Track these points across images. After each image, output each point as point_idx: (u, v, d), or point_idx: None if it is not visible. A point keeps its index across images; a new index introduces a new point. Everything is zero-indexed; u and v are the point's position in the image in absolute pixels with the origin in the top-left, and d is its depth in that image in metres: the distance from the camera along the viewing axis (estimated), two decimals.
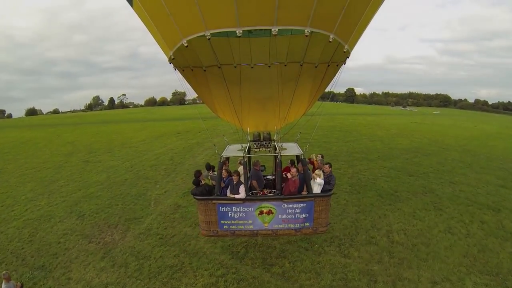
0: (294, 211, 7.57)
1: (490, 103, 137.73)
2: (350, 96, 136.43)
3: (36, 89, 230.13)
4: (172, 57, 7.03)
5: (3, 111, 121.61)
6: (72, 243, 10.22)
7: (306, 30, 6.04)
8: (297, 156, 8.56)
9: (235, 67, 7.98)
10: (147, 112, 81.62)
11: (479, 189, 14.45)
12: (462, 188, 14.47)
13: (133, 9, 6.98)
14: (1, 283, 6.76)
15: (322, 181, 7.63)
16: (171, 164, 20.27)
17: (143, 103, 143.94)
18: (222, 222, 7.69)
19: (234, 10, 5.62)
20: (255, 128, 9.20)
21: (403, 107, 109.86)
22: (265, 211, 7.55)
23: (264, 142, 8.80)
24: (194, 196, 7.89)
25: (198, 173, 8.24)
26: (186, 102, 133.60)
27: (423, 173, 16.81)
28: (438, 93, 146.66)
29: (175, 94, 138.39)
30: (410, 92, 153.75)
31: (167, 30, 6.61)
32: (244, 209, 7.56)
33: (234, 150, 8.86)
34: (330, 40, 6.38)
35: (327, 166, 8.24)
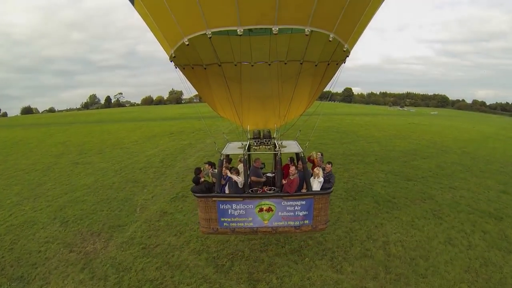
0: (294, 208, 7.62)
1: (487, 103, 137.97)
2: (347, 96, 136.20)
3: (32, 87, 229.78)
4: (173, 55, 7.08)
5: None
6: (52, 252, 9.74)
7: (306, 29, 6.08)
8: (297, 154, 8.57)
9: (236, 65, 8.01)
10: (143, 111, 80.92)
11: (480, 195, 13.85)
12: (462, 194, 13.87)
13: (134, 7, 6.98)
14: None
15: (322, 179, 7.70)
16: (161, 166, 19.64)
17: (140, 102, 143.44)
18: (222, 219, 7.73)
19: (235, 9, 5.66)
20: (255, 126, 9.29)
21: (401, 107, 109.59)
22: (265, 208, 7.59)
23: (264, 139, 8.89)
24: (194, 193, 7.93)
25: (198, 171, 8.33)
26: (183, 101, 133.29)
27: (421, 178, 16.19)
28: (436, 93, 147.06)
29: (172, 93, 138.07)
30: (408, 92, 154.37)
31: (169, 29, 6.64)
32: (244, 207, 7.60)
33: (234, 148, 8.93)
34: (330, 39, 6.44)
35: (329, 165, 8.34)
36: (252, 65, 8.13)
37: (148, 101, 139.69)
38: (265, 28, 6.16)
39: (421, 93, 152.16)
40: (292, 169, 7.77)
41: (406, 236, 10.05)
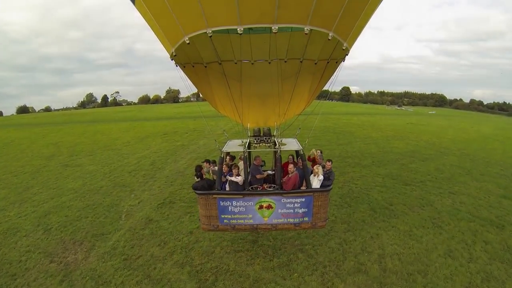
0: (294, 205, 7.67)
1: (485, 103, 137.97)
2: (345, 95, 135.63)
3: (29, 86, 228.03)
4: (174, 54, 7.16)
5: None
6: (33, 262, 9.29)
7: (305, 28, 6.11)
8: (297, 152, 8.67)
9: (236, 63, 8.02)
10: (138, 111, 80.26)
11: (481, 201, 13.28)
12: (462, 200, 13.27)
13: (135, 6, 7.02)
14: None
15: (322, 177, 7.74)
16: (151, 169, 19.00)
17: (136, 101, 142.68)
18: (223, 216, 7.77)
19: (236, 9, 5.71)
20: (255, 123, 9.35)
21: (399, 106, 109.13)
22: (264, 205, 7.64)
23: (264, 137, 8.92)
24: (194, 190, 7.93)
25: (199, 168, 8.42)
26: (180, 100, 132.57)
27: (420, 182, 15.57)
28: (434, 92, 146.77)
29: (169, 91, 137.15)
30: (405, 91, 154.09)
31: (169, 28, 6.70)
32: (244, 204, 7.65)
33: (234, 145, 9.00)
34: (329, 38, 6.48)
35: (329, 163, 8.39)
36: (252, 63, 8.19)
37: (145, 100, 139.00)
38: (265, 27, 6.18)
39: (419, 92, 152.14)
40: (291, 166, 7.85)
41: (404, 248, 9.42)
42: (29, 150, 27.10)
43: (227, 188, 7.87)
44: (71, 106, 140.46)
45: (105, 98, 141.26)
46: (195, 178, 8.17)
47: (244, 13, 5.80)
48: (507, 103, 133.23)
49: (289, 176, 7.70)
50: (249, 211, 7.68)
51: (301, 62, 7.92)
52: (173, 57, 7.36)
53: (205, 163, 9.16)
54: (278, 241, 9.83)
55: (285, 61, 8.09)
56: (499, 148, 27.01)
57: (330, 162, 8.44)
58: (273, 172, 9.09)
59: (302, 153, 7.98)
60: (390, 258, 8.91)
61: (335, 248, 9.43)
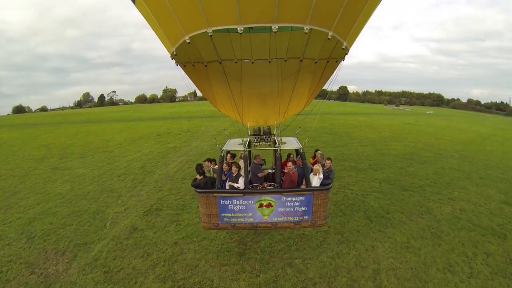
0: (293, 204, 7.71)
1: (482, 102, 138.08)
2: (342, 94, 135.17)
3: (27, 85, 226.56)
4: (174, 53, 7.18)
5: None
6: (13, 273, 8.90)
7: (305, 28, 6.12)
8: (297, 150, 8.76)
9: (236, 62, 8.09)
10: (134, 111, 79.38)
11: (481, 207, 12.72)
12: (462, 207, 12.70)
13: (135, 6, 7.02)
14: None
15: (322, 176, 7.81)
16: (141, 173, 18.39)
17: (133, 100, 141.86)
18: (223, 215, 7.82)
19: (236, 8, 5.73)
20: (255, 122, 9.45)
21: (396, 106, 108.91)
22: (264, 204, 7.69)
23: (264, 136, 9.03)
24: (195, 188, 7.97)
25: (199, 167, 8.47)
26: (176, 99, 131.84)
27: (419, 187, 14.99)
28: (431, 92, 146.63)
29: (165, 91, 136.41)
30: (403, 91, 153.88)
31: (170, 27, 6.73)
32: (244, 202, 7.71)
33: (234, 144, 9.02)
34: (329, 37, 6.48)
35: (328, 161, 8.47)
36: (252, 62, 8.26)
37: (141, 99, 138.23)
38: (265, 26, 6.19)
39: (417, 91, 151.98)
40: (289, 164, 7.92)
41: (400, 262, 8.80)
42: (20, 152, 26.49)
43: (227, 186, 7.88)
44: (68, 106, 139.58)
45: (101, 97, 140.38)
46: (197, 176, 8.19)
47: (244, 12, 5.82)
48: (505, 102, 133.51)
49: (290, 172, 7.78)
50: (249, 210, 7.73)
51: (301, 61, 8.00)
52: (173, 56, 7.40)
53: (206, 162, 9.25)
54: (266, 254, 9.23)
55: (285, 60, 8.16)
56: (498, 150, 26.61)
57: (330, 161, 8.49)
58: (273, 170, 9.06)
59: (302, 151, 7.98)
60: (385, 274, 8.29)
61: (327, 262, 8.80)
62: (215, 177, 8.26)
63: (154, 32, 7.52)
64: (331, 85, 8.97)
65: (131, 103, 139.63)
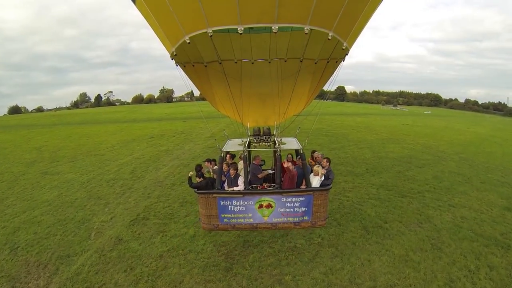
0: (293, 204, 7.73)
1: (480, 103, 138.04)
2: (340, 94, 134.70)
3: (24, 85, 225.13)
4: (174, 53, 7.20)
5: None
6: None
7: (305, 28, 6.13)
8: (297, 151, 8.78)
9: (236, 62, 8.09)
10: (129, 111, 78.61)
11: (483, 215, 12.14)
12: (463, 214, 12.12)
13: (135, 6, 7.01)
14: None
15: (322, 176, 7.85)
16: (130, 178, 17.77)
17: (130, 101, 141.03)
18: (223, 215, 7.85)
19: (236, 8, 5.74)
20: (255, 123, 9.44)
21: (394, 106, 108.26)
22: (264, 204, 7.71)
23: (264, 136, 8.99)
24: (195, 189, 7.96)
25: (199, 167, 8.55)
26: (173, 100, 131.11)
27: (418, 193, 14.39)
28: (429, 92, 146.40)
29: (162, 91, 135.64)
30: (401, 91, 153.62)
31: (170, 27, 6.74)
32: (244, 203, 7.73)
33: (234, 145, 9.07)
34: (329, 37, 6.50)
35: (325, 160, 8.49)
36: (252, 63, 8.25)
37: (138, 100, 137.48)
38: (265, 26, 6.18)
39: (414, 92, 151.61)
40: (289, 164, 7.94)
41: (398, 278, 8.16)
42: (12, 155, 25.92)
43: (226, 187, 7.90)
44: (64, 106, 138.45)
45: (98, 97, 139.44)
46: (197, 178, 8.14)
47: (245, 12, 5.82)
48: (502, 103, 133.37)
49: (290, 169, 7.79)
50: (249, 210, 7.76)
51: (301, 61, 7.98)
52: (173, 56, 7.42)
53: (206, 162, 9.37)
54: (255, 270, 8.58)
55: (285, 61, 8.15)
56: (497, 152, 26.08)
57: (328, 161, 8.50)
58: (273, 171, 9.03)
59: (302, 152, 7.99)
60: None
61: (319, 279, 8.13)
62: (215, 177, 8.29)
63: (154, 32, 7.51)
64: (332, 86, 9.02)
65: (128, 103, 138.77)
